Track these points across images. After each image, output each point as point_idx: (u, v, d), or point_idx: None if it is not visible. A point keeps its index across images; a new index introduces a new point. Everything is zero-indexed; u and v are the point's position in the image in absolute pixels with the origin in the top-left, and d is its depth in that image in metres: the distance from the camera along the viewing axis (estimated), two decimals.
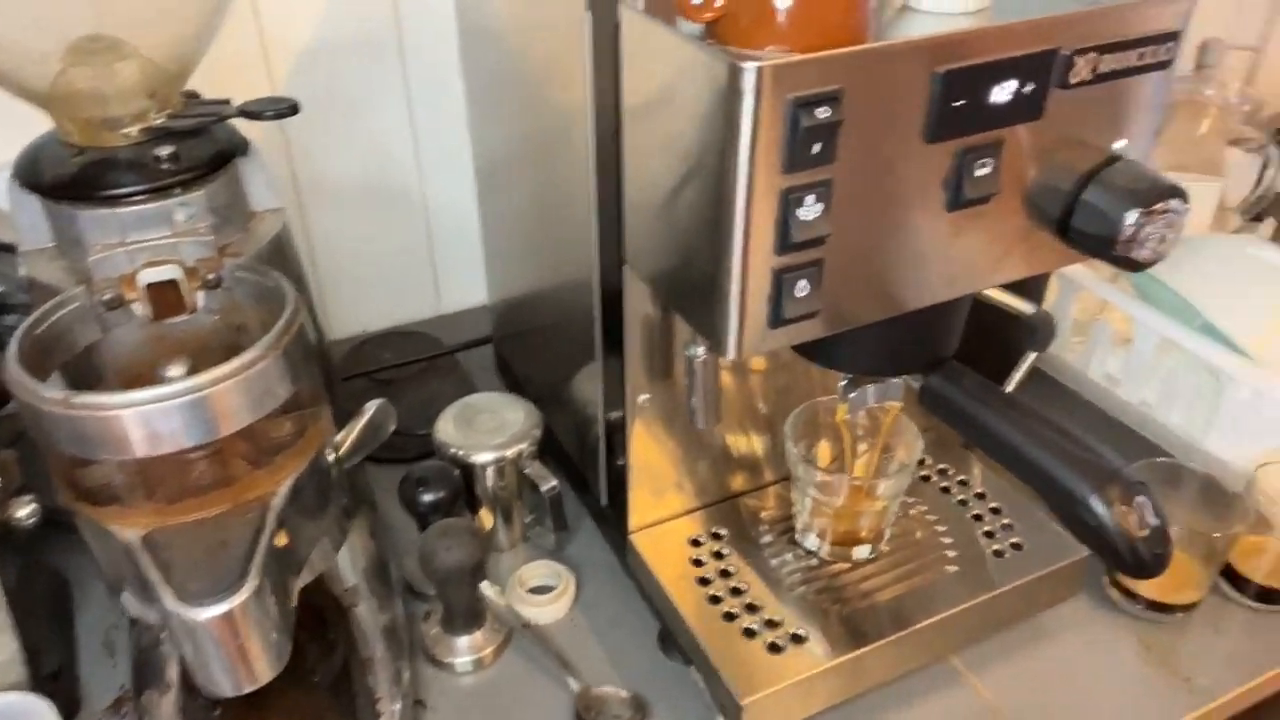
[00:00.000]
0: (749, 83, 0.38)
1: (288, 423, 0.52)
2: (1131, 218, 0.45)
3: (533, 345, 0.80)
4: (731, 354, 0.45)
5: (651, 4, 0.46)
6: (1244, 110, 1.01)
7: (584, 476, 0.72)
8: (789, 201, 0.41)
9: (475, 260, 0.93)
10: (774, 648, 0.57)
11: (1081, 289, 0.82)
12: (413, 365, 0.91)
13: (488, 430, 0.70)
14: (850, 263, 0.44)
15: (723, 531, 0.65)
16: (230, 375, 0.44)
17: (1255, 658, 0.64)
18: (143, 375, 0.53)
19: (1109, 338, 0.81)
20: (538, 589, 0.68)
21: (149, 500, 0.48)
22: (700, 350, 0.54)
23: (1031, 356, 0.64)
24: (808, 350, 0.53)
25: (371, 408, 0.60)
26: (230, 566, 0.44)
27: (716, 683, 0.56)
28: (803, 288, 0.43)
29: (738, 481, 0.69)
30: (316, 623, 0.60)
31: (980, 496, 0.68)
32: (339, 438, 0.57)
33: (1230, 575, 0.67)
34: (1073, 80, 0.44)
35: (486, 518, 0.71)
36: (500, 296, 0.86)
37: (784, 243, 0.42)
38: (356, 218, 0.92)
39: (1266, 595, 0.66)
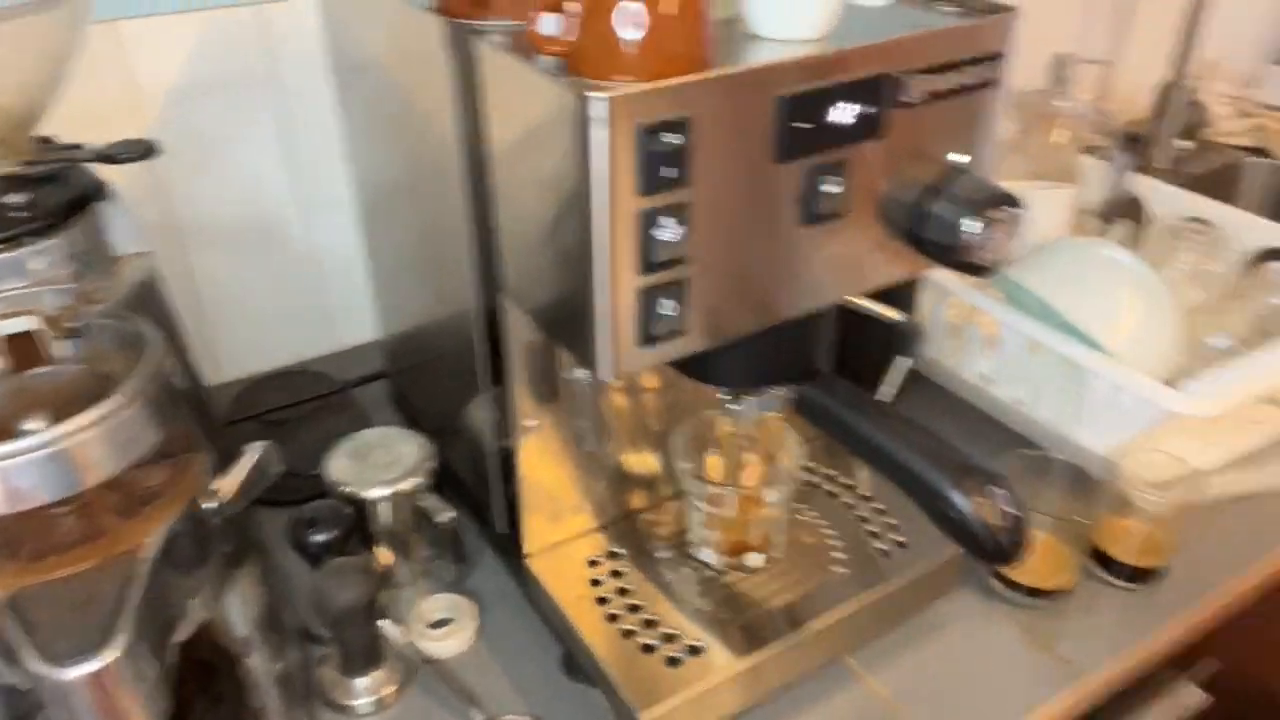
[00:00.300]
0: (598, 112, 0.39)
1: (159, 471, 0.51)
2: (972, 225, 0.48)
3: (425, 378, 0.79)
4: (605, 375, 0.46)
5: (517, 41, 0.47)
6: (1095, 120, 1.08)
7: (483, 507, 0.72)
8: (648, 224, 0.42)
9: (365, 295, 0.93)
10: (672, 661, 0.58)
11: (952, 295, 0.86)
12: (305, 404, 0.90)
13: (380, 465, 0.69)
14: (714, 280, 0.46)
15: (620, 550, 0.66)
16: (90, 425, 0.43)
17: (1129, 635, 0.67)
18: (3, 430, 0.50)
19: (980, 340, 0.85)
20: (439, 623, 0.68)
21: (12, 560, 0.46)
22: (581, 373, 0.55)
23: (903, 361, 0.67)
24: (685, 367, 0.55)
25: (254, 450, 0.58)
26: (99, 623, 0.42)
27: (617, 701, 0.57)
28: (669, 306, 0.45)
29: (634, 500, 0.70)
30: (203, 675, 0.58)
31: (866, 499, 0.70)
32: (220, 483, 0.56)
33: (1101, 559, 0.71)
34: (908, 100, 0.47)
35: (384, 555, 0.71)
36: (391, 331, 0.86)
37: (646, 264, 0.43)
38: (241, 258, 0.90)
39: (1136, 575, 0.70)
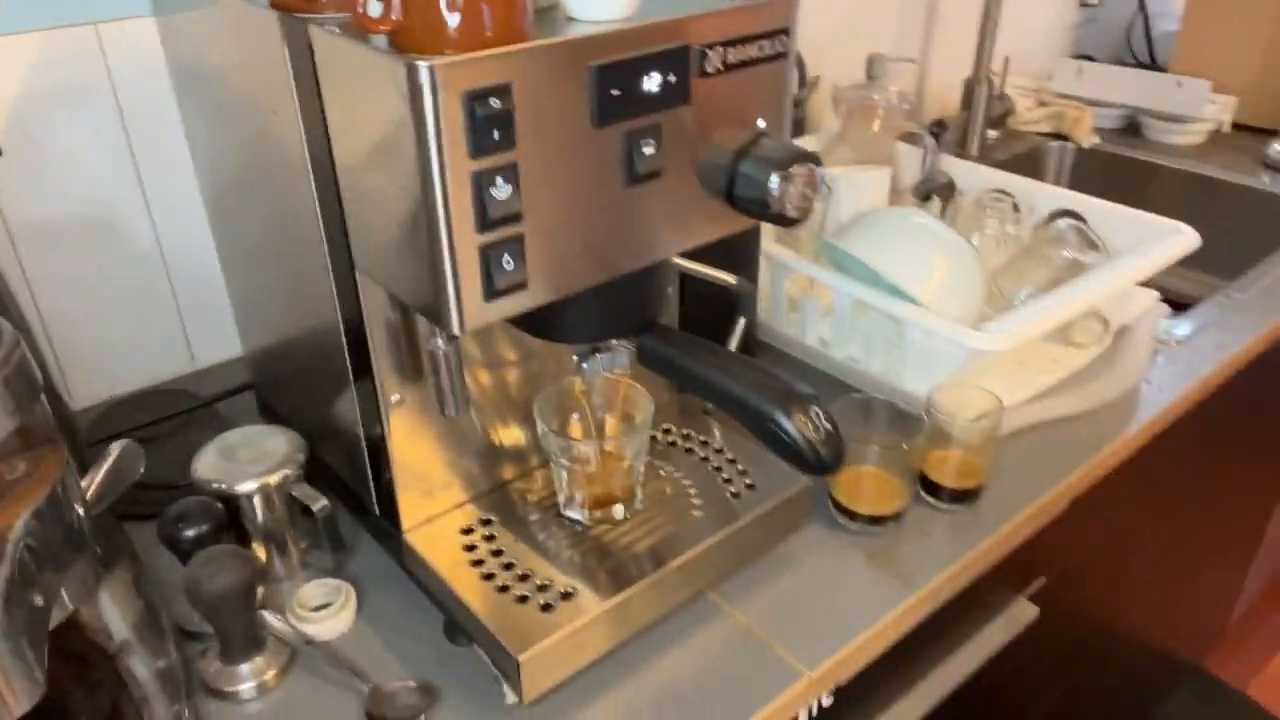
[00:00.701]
0: (424, 79, 0.43)
1: (20, 463, 0.51)
2: (775, 181, 0.55)
3: (290, 379, 0.81)
4: (455, 329, 0.50)
5: (347, 28, 0.51)
6: (905, 110, 1.19)
7: (357, 495, 0.74)
8: (481, 184, 0.47)
9: (224, 309, 0.93)
10: (546, 607, 0.61)
11: (790, 269, 0.94)
12: (170, 421, 0.89)
13: (249, 461, 0.70)
14: (549, 237, 0.51)
15: (492, 517, 0.70)
16: None
17: (954, 549, 0.75)
18: None
19: (816, 308, 0.93)
20: (320, 607, 0.69)
21: None
22: (440, 341, 0.58)
23: (742, 321, 0.73)
24: (531, 327, 0.59)
25: (116, 449, 0.59)
26: None
27: (496, 650, 0.60)
28: (508, 261, 0.49)
29: (504, 471, 0.73)
30: (81, 674, 0.58)
31: (719, 452, 0.76)
32: (84, 483, 0.57)
33: (927, 485, 0.79)
34: (709, 70, 0.53)
35: (259, 550, 0.71)
36: (254, 342, 0.87)
37: (484, 221, 0.48)
38: (90, 277, 0.89)
39: (957, 497, 0.78)
